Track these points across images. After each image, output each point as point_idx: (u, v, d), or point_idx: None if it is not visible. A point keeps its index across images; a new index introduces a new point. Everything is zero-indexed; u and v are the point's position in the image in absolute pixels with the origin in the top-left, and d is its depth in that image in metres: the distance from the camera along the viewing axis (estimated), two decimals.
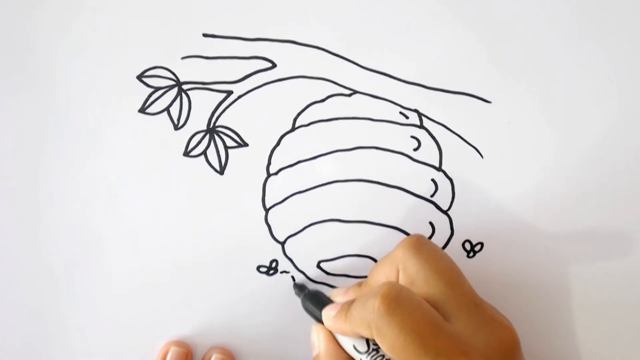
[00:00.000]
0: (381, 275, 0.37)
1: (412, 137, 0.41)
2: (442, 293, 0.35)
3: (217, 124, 0.41)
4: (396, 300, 0.33)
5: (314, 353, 0.38)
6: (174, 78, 0.41)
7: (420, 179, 0.41)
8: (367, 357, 0.35)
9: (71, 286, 0.41)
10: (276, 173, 0.41)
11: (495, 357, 0.33)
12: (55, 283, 0.41)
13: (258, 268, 0.42)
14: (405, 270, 0.36)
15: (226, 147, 0.41)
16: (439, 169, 0.41)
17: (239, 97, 0.41)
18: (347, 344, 0.36)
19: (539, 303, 0.42)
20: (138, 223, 0.41)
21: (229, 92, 0.41)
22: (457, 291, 0.35)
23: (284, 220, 0.41)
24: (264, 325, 0.42)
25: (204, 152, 0.41)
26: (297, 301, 0.41)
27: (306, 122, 0.41)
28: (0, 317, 0.41)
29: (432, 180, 0.41)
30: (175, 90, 0.41)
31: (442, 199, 0.41)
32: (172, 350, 0.41)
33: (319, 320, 0.38)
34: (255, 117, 0.41)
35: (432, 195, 0.41)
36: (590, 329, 0.42)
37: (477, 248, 0.42)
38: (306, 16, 0.40)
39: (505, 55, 0.41)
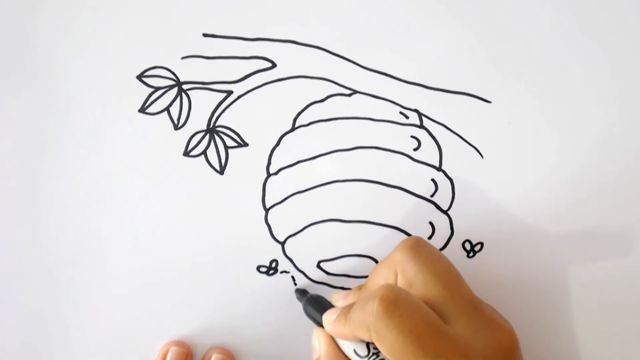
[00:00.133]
0: (380, 278, 0.37)
1: (412, 137, 0.41)
2: (440, 295, 0.35)
3: (217, 124, 0.41)
4: (394, 302, 0.33)
5: (315, 357, 0.38)
6: (174, 78, 0.41)
7: (420, 179, 0.41)
8: None
9: (71, 286, 0.41)
10: (276, 173, 0.41)
11: (495, 358, 0.33)
12: (55, 283, 0.41)
13: (258, 268, 0.42)
14: (404, 273, 0.36)
15: (226, 147, 0.41)
16: (439, 169, 0.41)
17: (239, 97, 0.41)
18: (348, 348, 0.36)
19: (539, 303, 0.42)
20: (138, 223, 0.41)
21: (229, 92, 0.41)
22: (455, 293, 0.35)
23: (284, 220, 0.41)
24: (264, 325, 0.42)
25: (204, 152, 0.41)
26: (297, 301, 0.41)
27: (306, 122, 0.41)
28: (0, 317, 0.41)
29: (432, 180, 0.41)
30: (175, 90, 0.41)
31: (442, 199, 0.41)
32: (172, 350, 0.41)
33: (321, 325, 0.38)
34: (255, 117, 0.41)
35: (432, 195, 0.41)
36: (590, 329, 0.42)
37: (477, 248, 0.42)
38: (306, 16, 0.40)
39: (505, 55, 0.41)
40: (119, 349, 0.42)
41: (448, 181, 0.41)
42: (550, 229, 0.41)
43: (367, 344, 0.35)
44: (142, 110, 0.41)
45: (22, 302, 0.41)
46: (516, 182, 0.41)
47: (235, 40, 0.41)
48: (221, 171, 0.41)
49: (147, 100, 0.41)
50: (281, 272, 0.42)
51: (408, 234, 0.42)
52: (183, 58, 0.41)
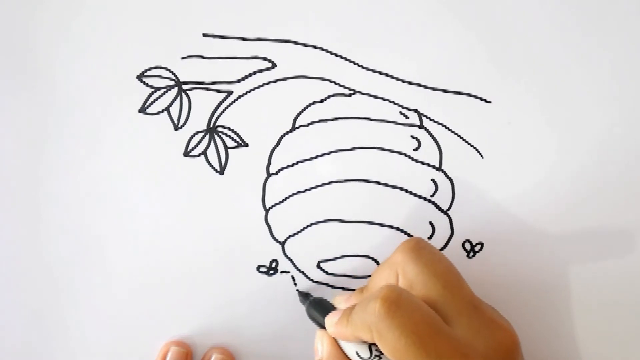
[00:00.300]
0: (381, 280, 0.37)
1: (412, 137, 0.41)
2: (440, 296, 0.34)
3: (217, 124, 0.41)
4: (396, 302, 0.33)
5: (316, 359, 0.38)
6: (174, 78, 0.41)
7: (420, 179, 0.41)
8: None
9: (71, 286, 0.41)
10: (276, 173, 0.41)
11: (495, 358, 0.33)
12: (55, 283, 0.41)
13: (258, 268, 0.42)
14: (404, 275, 0.36)
15: (226, 147, 0.41)
16: (439, 169, 0.41)
17: (239, 97, 0.41)
18: (350, 350, 0.36)
19: (539, 303, 0.42)
20: (138, 223, 0.41)
21: (229, 92, 0.41)
22: (456, 294, 0.35)
23: (284, 220, 0.41)
24: (264, 325, 0.42)
25: (204, 152, 0.41)
26: (297, 301, 0.42)
27: (306, 122, 0.41)
28: (0, 317, 0.41)
29: (432, 180, 0.41)
30: (175, 90, 0.41)
31: (442, 199, 0.41)
32: (172, 350, 0.41)
33: (324, 327, 0.38)
34: (255, 117, 0.41)
35: (432, 195, 0.41)
36: (590, 329, 0.42)
37: (477, 248, 0.42)
38: (306, 16, 0.40)
39: (505, 55, 0.41)
40: (119, 349, 0.42)
41: (448, 181, 0.41)
42: (550, 229, 0.41)
43: (370, 346, 0.35)
44: (142, 110, 0.41)
45: (22, 302, 0.41)
46: (516, 182, 0.41)
47: (235, 40, 0.40)
48: (221, 171, 0.41)
49: (147, 100, 0.41)
50: (281, 272, 0.42)
51: (408, 234, 0.42)
52: (183, 58, 0.41)
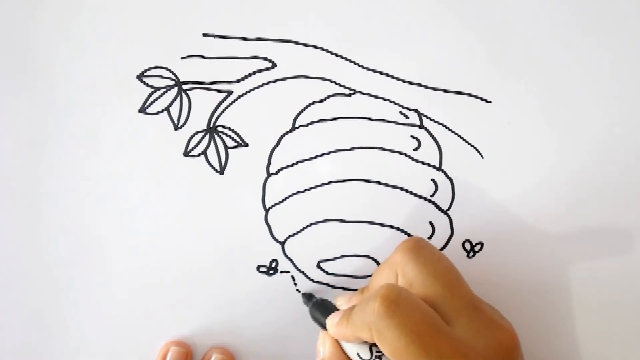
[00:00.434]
0: (381, 280, 0.37)
1: (412, 137, 0.41)
2: (440, 296, 0.34)
3: (217, 124, 0.41)
4: (396, 302, 0.33)
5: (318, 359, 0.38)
6: (174, 78, 0.41)
7: (420, 179, 0.41)
8: None
9: (71, 286, 0.41)
10: (276, 173, 0.41)
11: (495, 358, 0.33)
12: (55, 283, 0.41)
13: (258, 268, 0.42)
14: (404, 274, 0.36)
15: (226, 147, 0.41)
16: (439, 169, 0.41)
17: (239, 97, 0.41)
18: (352, 351, 0.36)
19: (539, 303, 0.42)
20: (138, 223, 0.41)
21: (229, 92, 0.41)
22: (455, 294, 0.35)
23: (284, 220, 0.41)
24: (264, 325, 0.42)
25: (204, 152, 0.41)
26: (297, 301, 0.42)
27: (306, 122, 0.41)
28: (0, 317, 0.41)
29: (432, 180, 0.41)
30: (175, 90, 0.41)
31: (442, 199, 0.41)
32: (172, 350, 0.41)
33: (326, 328, 0.38)
34: (255, 117, 0.41)
35: (432, 195, 0.41)
36: (590, 329, 0.42)
37: (477, 248, 0.42)
38: (306, 16, 0.40)
39: (505, 55, 0.41)
40: (119, 349, 0.42)
41: (448, 181, 0.41)
42: (550, 229, 0.41)
43: (370, 347, 0.35)
44: (142, 110, 0.41)
45: (22, 302, 0.41)
46: (516, 182, 0.41)
47: (235, 40, 0.40)
48: (221, 171, 0.41)
49: (147, 100, 0.41)
50: (281, 272, 0.42)
51: (408, 234, 0.42)
52: (183, 58, 0.41)
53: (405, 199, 0.41)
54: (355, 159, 0.41)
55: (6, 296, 0.41)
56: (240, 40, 0.41)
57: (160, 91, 0.41)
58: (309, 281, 0.42)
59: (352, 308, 0.36)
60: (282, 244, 0.42)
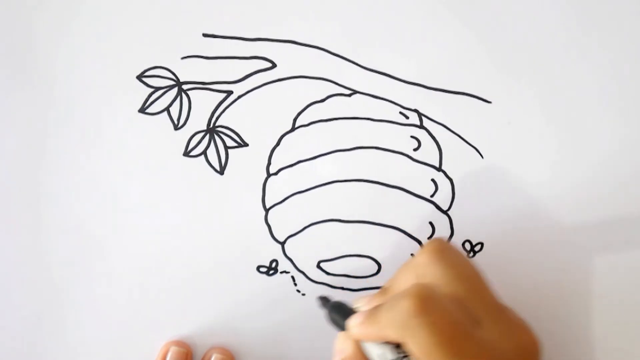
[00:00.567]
0: (404, 280, 0.36)
1: (412, 137, 0.41)
2: (465, 298, 0.34)
3: (217, 124, 0.41)
4: (428, 301, 0.32)
5: (337, 359, 0.37)
6: (174, 78, 0.41)
7: (420, 179, 0.41)
8: None
9: (71, 286, 0.41)
10: (276, 173, 0.41)
11: None
12: (55, 283, 0.41)
13: (258, 268, 0.42)
14: (424, 277, 0.35)
15: (226, 147, 0.41)
16: (439, 169, 0.41)
17: (239, 97, 0.41)
18: (373, 352, 0.35)
19: (539, 303, 0.42)
20: (138, 223, 0.41)
21: (229, 92, 0.41)
22: (481, 296, 0.34)
23: (284, 220, 0.41)
24: (264, 325, 0.42)
25: (204, 152, 0.41)
26: (297, 301, 0.41)
27: (306, 122, 0.41)
28: (0, 317, 0.41)
29: (432, 180, 0.41)
30: (175, 90, 0.41)
31: (442, 199, 0.41)
32: (172, 350, 0.41)
33: (343, 330, 0.37)
34: (255, 117, 0.41)
35: (432, 195, 0.41)
36: (590, 328, 0.42)
37: (477, 248, 0.42)
38: (306, 16, 0.40)
39: (505, 55, 0.41)
40: (119, 349, 0.42)
41: (448, 181, 0.41)
42: (550, 229, 0.41)
43: (395, 347, 0.35)
44: (142, 110, 0.41)
45: (22, 302, 0.41)
46: (516, 182, 0.41)
47: (235, 40, 0.41)
48: (221, 171, 0.41)
49: (147, 100, 0.41)
50: (281, 273, 0.42)
51: (408, 234, 0.41)
52: (183, 58, 0.41)
53: (405, 199, 0.41)
54: (355, 159, 0.41)
55: (6, 296, 0.41)
56: (240, 41, 0.41)
57: (160, 91, 0.41)
58: (309, 281, 0.42)
59: (377, 307, 0.35)
60: (282, 244, 0.42)
